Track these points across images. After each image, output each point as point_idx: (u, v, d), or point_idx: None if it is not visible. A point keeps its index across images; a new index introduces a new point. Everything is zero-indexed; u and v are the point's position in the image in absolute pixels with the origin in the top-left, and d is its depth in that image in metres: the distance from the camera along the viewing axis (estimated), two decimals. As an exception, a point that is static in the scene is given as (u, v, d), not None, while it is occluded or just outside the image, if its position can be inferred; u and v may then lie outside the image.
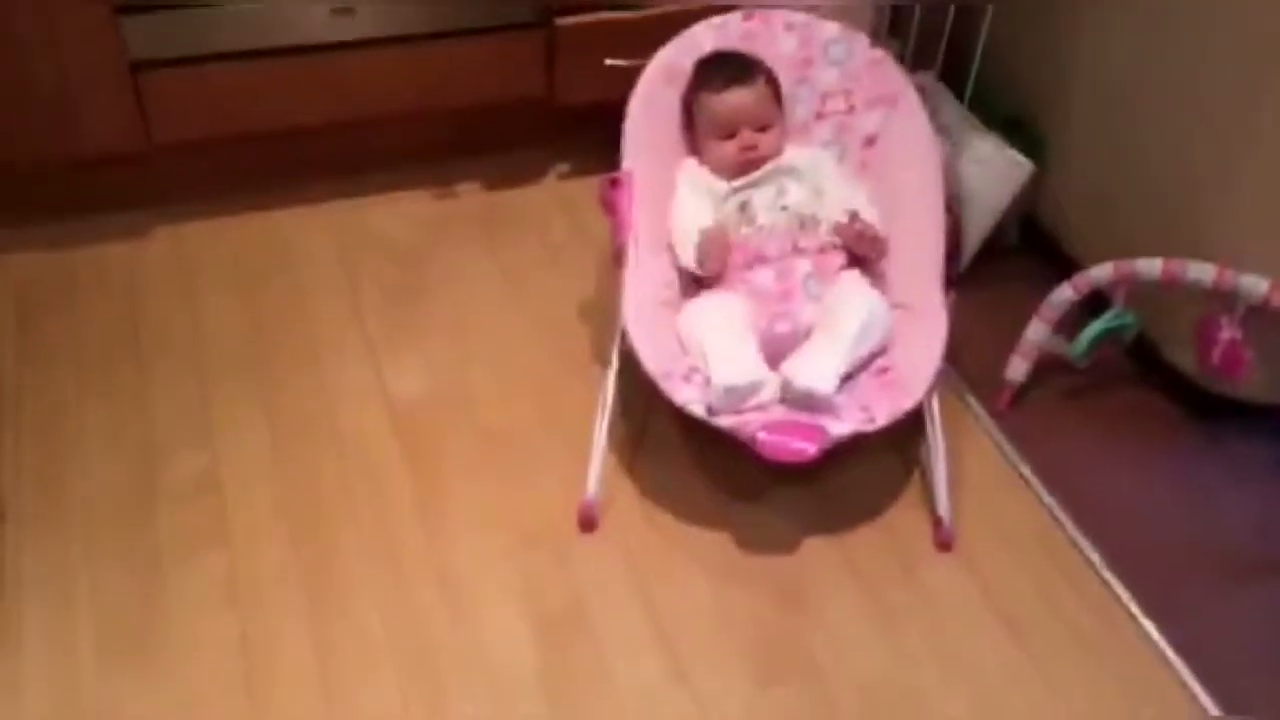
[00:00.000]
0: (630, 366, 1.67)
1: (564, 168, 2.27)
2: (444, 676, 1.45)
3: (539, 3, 2.02)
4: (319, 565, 1.56)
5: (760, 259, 1.67)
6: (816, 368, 1.53)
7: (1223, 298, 1.65)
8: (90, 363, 1.82)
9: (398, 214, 2.15)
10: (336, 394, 1.80)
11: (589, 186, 2.22)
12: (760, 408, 1.52)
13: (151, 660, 1.44)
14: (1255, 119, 1.61)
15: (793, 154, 1.77)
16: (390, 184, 2.19)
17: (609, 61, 2.05)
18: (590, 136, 2.26)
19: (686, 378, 1.58)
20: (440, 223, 2.14)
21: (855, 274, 1.69)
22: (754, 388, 1.52)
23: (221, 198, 2.11)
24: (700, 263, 1.66)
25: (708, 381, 1.56)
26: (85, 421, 1.73)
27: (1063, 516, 1.69)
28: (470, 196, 2.20)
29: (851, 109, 1.83)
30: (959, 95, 1.98)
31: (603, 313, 1.94)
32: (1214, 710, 1.45)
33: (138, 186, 2.06)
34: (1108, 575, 1.62)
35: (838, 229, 1.68)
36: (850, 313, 1.59)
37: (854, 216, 1.67)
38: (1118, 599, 1.59)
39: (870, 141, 1.82)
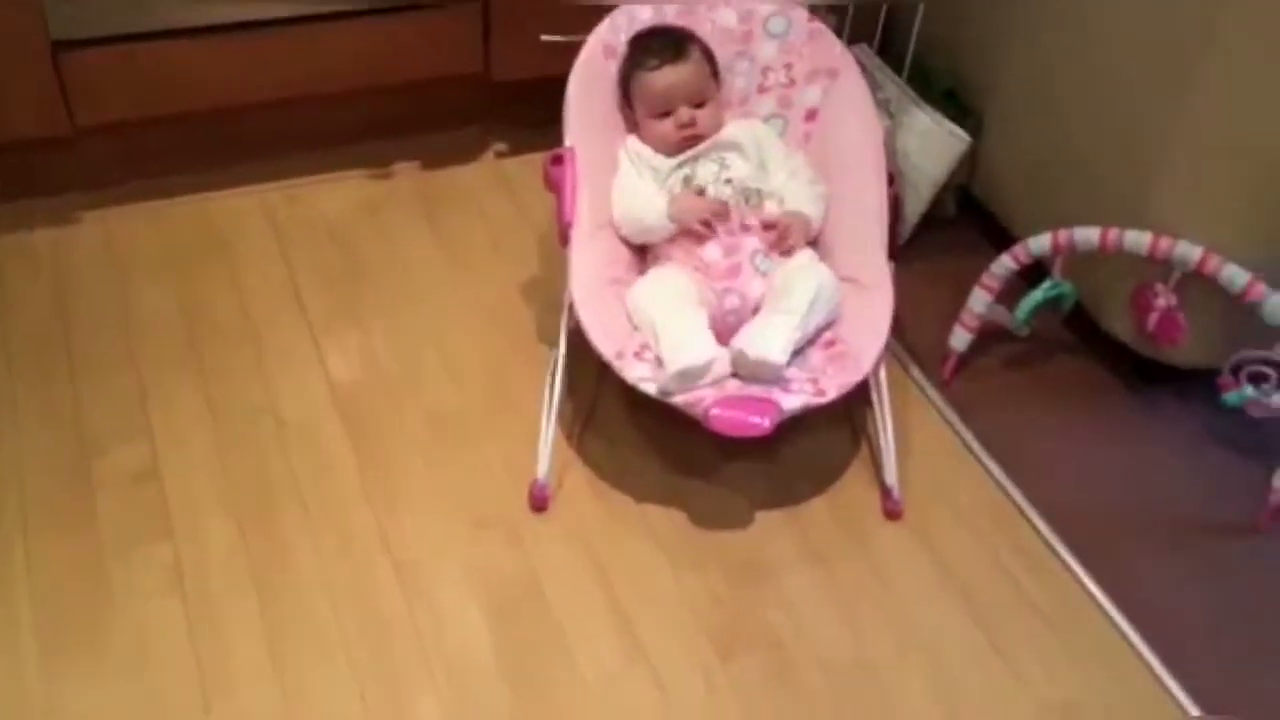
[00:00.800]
0: (577, 345, 1.67)
1: (501, 146, 2.24)
2: (400, 663, 1.43)
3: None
4: (268, 554, 1.53)
5: (707, 231, 1.66)
6: (768, 339, 1.53)
7: (1158, 266, 1.68)
8: (19, 354, 1.76)
9: (334, 194, 2.11)
10: (278, 379, 1.77)
11: (528, 164, 2.21)
12: (714, 383, 1.52)
13: (99, 657, 1.41)
14: (1184, 91, 1.64)
15: (734, 128, 1.77)
16: (325, 164, 2.14)
17: (545, 37, 2.03)
18: (527, 113, 2.23)
19: (638, 355, 1.57)
20: (378, 203, 2.10)
21: (804, 249, 1.69)
22: (707, 367, 1.51)
23: (151, 181, 2.05)
24: (675, 218, 1.66)
25: (659, 360, 1.55)
26: (16, 415, 1.67)
27: (1007, 483, 1.72)
28: (407, 175, 2.17)
29: (792, 82, 1.83)
30: (897, 69, 1.99)
31: (546, 292, 1.93)
32: (1181, 695, 1.49)
33: (63, 171, 2.00)
34: (1053, 541, 1.65)
35: (764, 224, 1.68)
36: (801, 287, 1.59)
37: (770, 224, 1.67)
38: (1064, 564, 1.62)
39: (812, 114, 1.82)
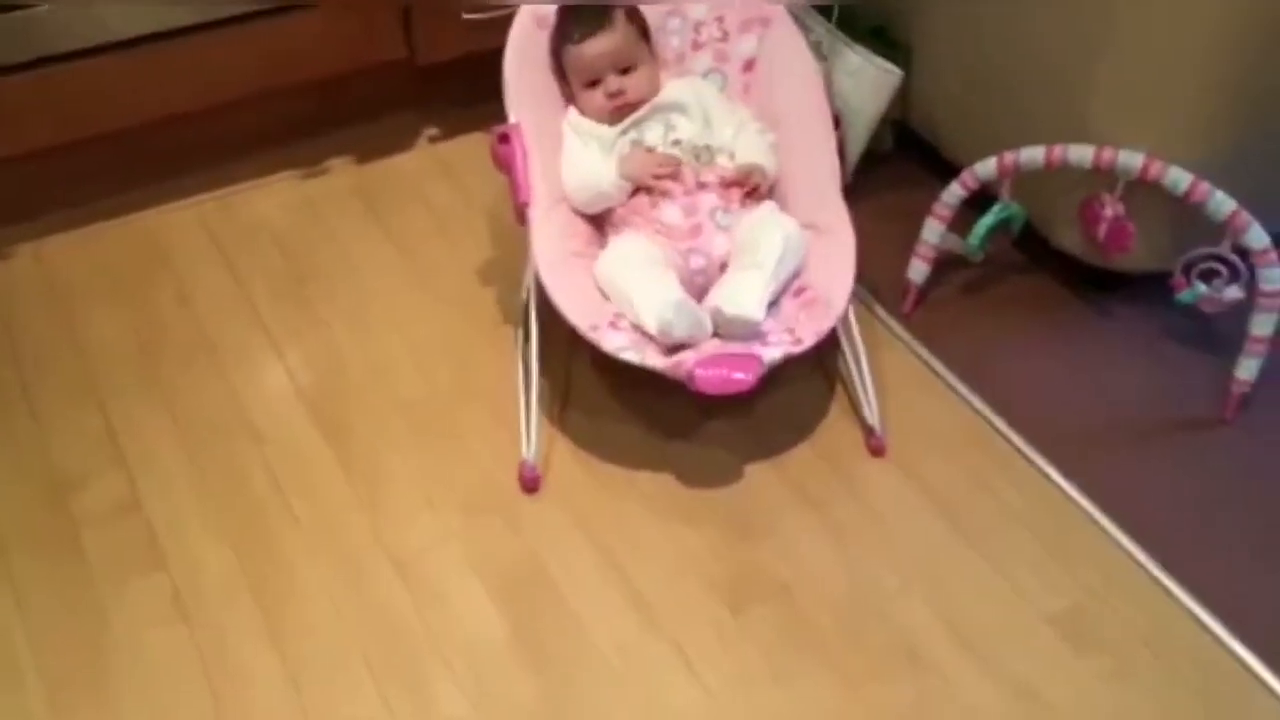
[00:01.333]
0: (544, 321, 1.66)
1: (434, 130, 2.21)
2: (417, 660, 1.43)
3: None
4: (266, 570, 1.51)
5: (664, 193, 1.66)
6: (744, 295, 1.54)
7: (1103, 177, 1.72)
8: (-29, 399, 1.71)
9: (271, 198, 2.06)
10: (245, 393, 1.74)
11: (464, 145, 2.18)
12: (693, 342, 1.52)
13: (109, 692, 1.38)
14: (1109, 6, 1.67)
15: (673, 88, 1.76)
16: (258, 168, 2.10)
17: (466, 15, 2.01)
18: (457, 93, 2.21)
19: (613, 325, 1.57)
20: (317, 202, 2.06)
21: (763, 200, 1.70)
22: (693, 316, 1.51)
23: (81, 206, 1.99)
24: (627, 176, 1.66)
25: (636, 328, 1.55)
26: (-19, 462, 1.63)
27: (980, 405, 1.75)
28: (343, 170, 2.13)
29: (726, 35, 1.83)
30: (824, 12, 2.00)
31: (502, 273, 1.92)
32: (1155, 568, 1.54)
33: (-12, 204, 1.94)
34: (1030, 453, 1.69)
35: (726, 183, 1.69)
36: (768, 240, 1.60)
37: (734, 181, 1.69)
38: (1044, 474, 1.66)
39: (749, 65, 1.82)
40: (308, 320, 1.85)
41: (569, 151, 1.73)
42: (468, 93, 2.18)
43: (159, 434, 1.68)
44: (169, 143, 2.02)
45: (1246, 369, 1.70)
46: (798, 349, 1.54)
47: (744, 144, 1.72)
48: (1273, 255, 1.63)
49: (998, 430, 1.72)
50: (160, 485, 1.61)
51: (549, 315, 1.63)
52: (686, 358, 1.51)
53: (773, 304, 1.60)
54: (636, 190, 1.69)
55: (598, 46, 1.71)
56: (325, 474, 1.63)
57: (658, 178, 1.66)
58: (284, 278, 1.92)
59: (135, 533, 1.55)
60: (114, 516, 1.57)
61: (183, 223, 2.01)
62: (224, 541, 1.54)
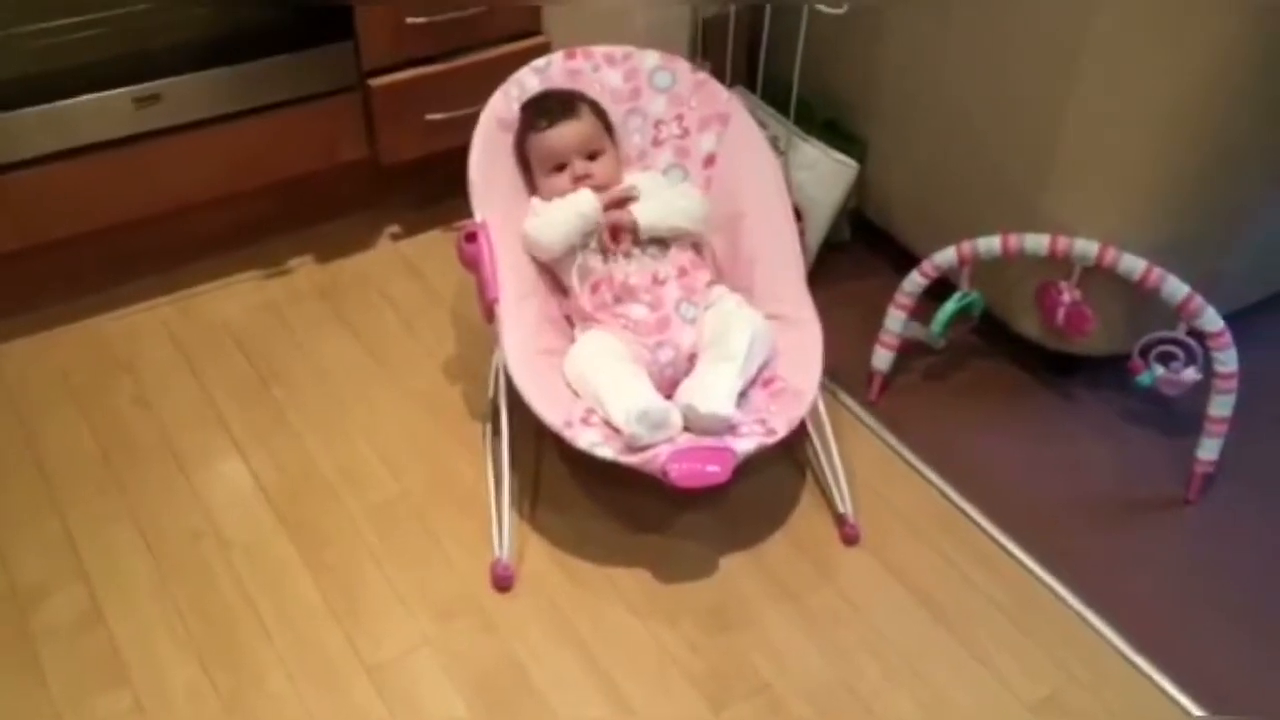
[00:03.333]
0: (512, 419, 1.66)
1: (396, 228, 2.22)
2: (395, 772, 1.39)
3: (348, 68, 1.97)
4: (237, 685, 1.47)
5: (628, 291, 1.68)
6: (715, 391, 1.54)
7: (1059, 264, 1.76)
8: (-74, 512, 1.67)
9: (231, 300, 2.05)
10: (210, 498, 1.71)
11: (426, 243, 2.19)
12: (667, 439, 1.52)
13: (73, 822, 1.33)
14: (1060, 103, 1.72)
15: (632, 178, 1.80)
16: (217, 270, 2.09)
17: (429, 116, 2.03)
18: (417, 193, 2.22)
19: (585, 421, 1.57)
20: (279, 302, 2.05)
21: (726, 291, 1.72)
22: (665, 412, 1.52)
23: (39, 311, 1.97)
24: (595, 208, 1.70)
25: (607, 423, 1.55)
26: (-65, 578, 1.58)
27: (950, 490, 1.77)
28: (305, 271, 2.12)
29: (686, 132, 1.86)
30: (780, 107, 2.04)
31: (469, 370, 1.91)
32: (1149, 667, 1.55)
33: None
34: (1001, 538, 1.70)
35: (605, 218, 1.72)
36: (736, 333, 1.61)
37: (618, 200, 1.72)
38: (1016, 559, 1.67)
39: (710, 160, 1.86)
40: (273, 422, 1.83)
41: (535, 212, 1.75)
42: (430, 191, 2.20)
43: (121, 543, 1.64)
44: (129, 246, 2.01)
45: (1207, 449, 1.73)
46: (770, 440, 1.55)
47: (668, 193, 1.77)
48: (1227, 338, 1.67)
49: (968, 516, 1.73)
50: (123, 596, 1.57)
51: (518, 412, 1.63)
52: (660, 452, 1.51)
53: (742, 395, 1.61)
54: (598, 284, 1.69)
55: (565, 132, 1.74)
56: (295, 580, 1.60)
57: (617, 203, 1.71)
58: (248, 380, 1.90)
59: (97, 646, 1.51)
60: (75, 630, 1.52)
61: (143, 326, 1.99)
62: (190, 653, 1.50)
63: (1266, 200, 1.79)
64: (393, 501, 1.72)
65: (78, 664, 1.49)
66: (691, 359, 1.65)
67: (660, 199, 1.75)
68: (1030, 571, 1.65)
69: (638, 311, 1.67)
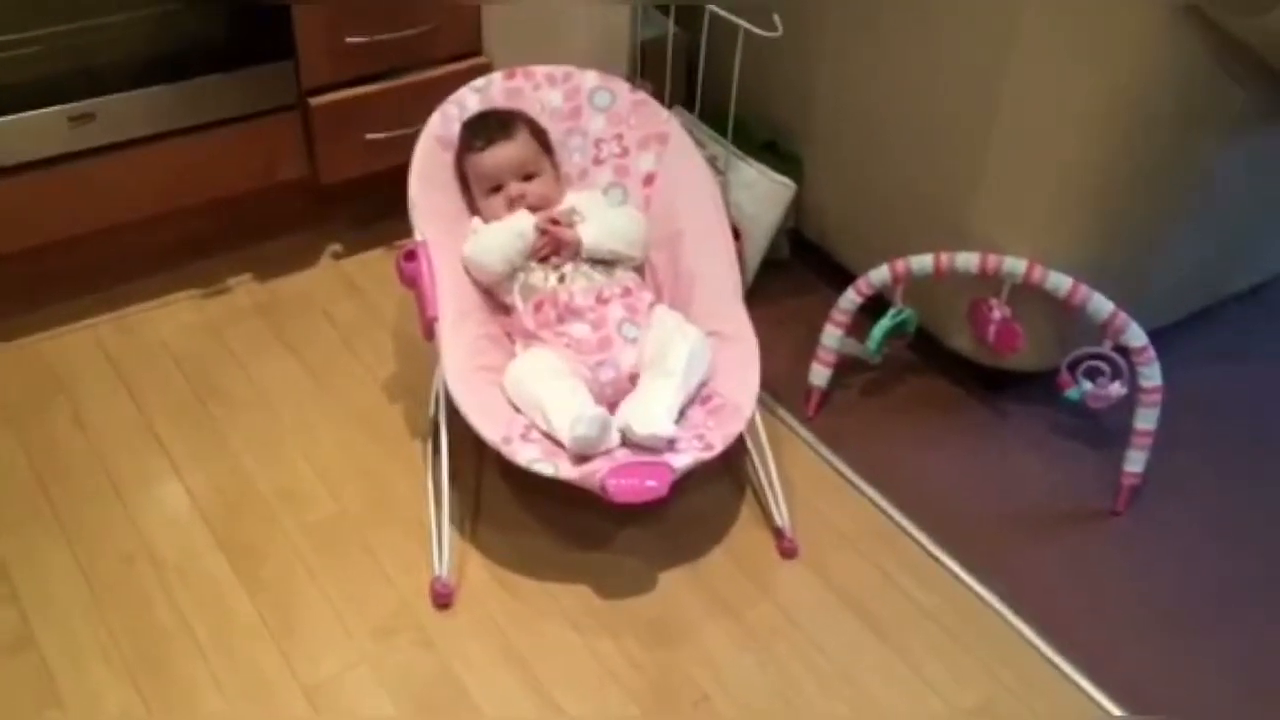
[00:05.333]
0: (452, 436, 1.66)
1: (336, 247, 2.22)
2: (332, 791, 1.39)
3: (288, 86, 1.97)
4: (170, 706, 1.46)
5: (572, 311, 1.69)
6: (653, 411, 1.56)
7: (989, 282, 1.80)
8: None
9: (170, 319, 2.04)
10: (145, 519, 1.69)
11: (366, 262, 2.19)
12: (606, 453, 1.54)
13: None
14: (985, 122, 1.76)
15: (572, 198, 1.81)
16: (155, 289, 2.07)
17: (370, 135, 2.04)
18: (358, 212, 2.22)
19: (524, 437, 1.58)
20: (218, 322, 2.04)
21: (666, 310, 1.74)
22: (606, 424, 1.53)
23: (-31, 331, 1.95)
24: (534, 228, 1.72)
25: (548, 438, 1.56)
26: None
27: (884, 504, 1.80)
28: (244, 290, 2.11)
29: (625, 151, 1.89)
30: (718, 128, 2.07)
31: (408, 389, 1.91)
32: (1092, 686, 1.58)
33: None
34: (935, 550, 1.73)
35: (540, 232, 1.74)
36: (675, 352, 1.63)
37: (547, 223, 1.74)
38: (950, 571, 1.70)
39: (649, 180, 1.88)
40: (211, 442, 1.82)
41: (476, 232, 1.76)
42: (371, 210, 2.20)
43: (54, 564, 1.62)
44: (64, 264, 1.99)
45: (1134, 462, 1.77)
46: (708, 455, 1.57)
47: (610, 214, 1.79)
48: (1151, 353, 1.72)
49: (902, 528, 1.76)
50: (56, 618, 1.55)
51: (457, 429, 1.64)
52: (599, 468, 1.52)
53: (681, 412, 1.62)
54: (541, 303, 1.71)
55: (501, 154, 1.76)
56: (231, 601, 1.59)
57: (553, 222, 1.72)
58: (185, 399, 1.89)
59: (29, 671, 1.49)
60: (6, 653, 1.50)
61: (78, 345, 1.97)
62: (124, 675, 1.49)
63: (1187, 218, 1.84)
64: (332, 520, 1.71)
65: (9, 687, 1.47)
66: (632, 379, 1.66)
67: (602, 220, 1.77)
68: (963, 582, 1.68)
69: (580, 330, 1.69)
